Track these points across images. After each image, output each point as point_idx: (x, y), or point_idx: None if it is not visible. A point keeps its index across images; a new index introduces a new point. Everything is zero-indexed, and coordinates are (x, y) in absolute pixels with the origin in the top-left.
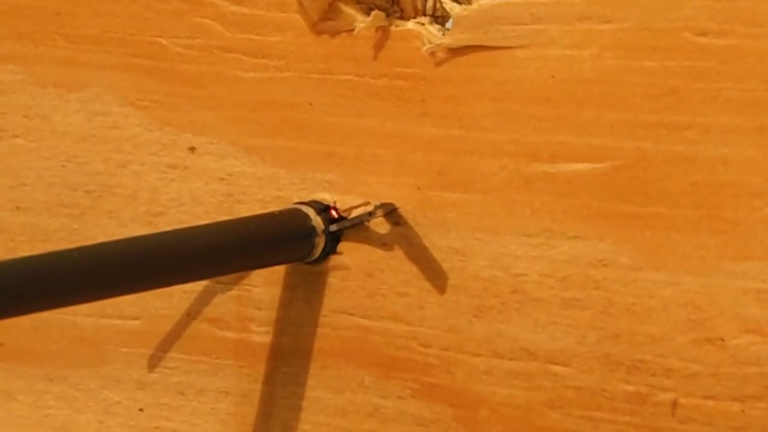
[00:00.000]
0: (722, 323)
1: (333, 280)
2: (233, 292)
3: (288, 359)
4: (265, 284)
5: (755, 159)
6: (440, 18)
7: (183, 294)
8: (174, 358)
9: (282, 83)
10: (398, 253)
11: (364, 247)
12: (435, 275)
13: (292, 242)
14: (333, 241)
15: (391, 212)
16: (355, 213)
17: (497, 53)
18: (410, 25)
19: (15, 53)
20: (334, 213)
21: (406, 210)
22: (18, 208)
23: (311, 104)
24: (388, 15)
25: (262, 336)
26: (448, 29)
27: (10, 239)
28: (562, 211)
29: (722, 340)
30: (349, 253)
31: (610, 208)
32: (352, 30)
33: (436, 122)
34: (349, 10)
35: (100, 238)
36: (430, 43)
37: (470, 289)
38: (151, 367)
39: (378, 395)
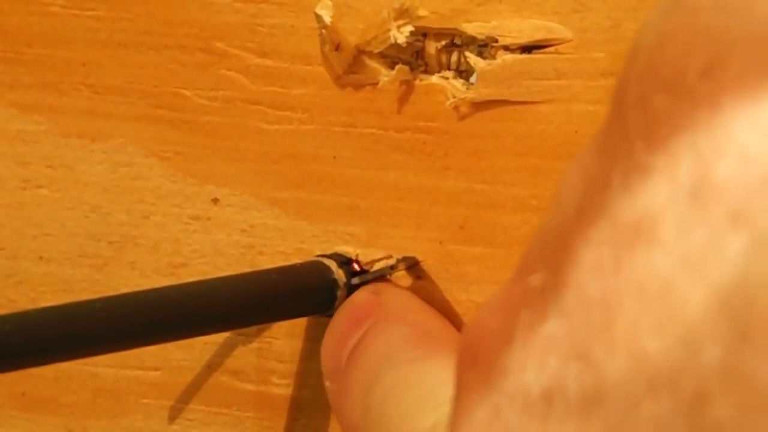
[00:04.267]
0: None
1: None
2: (254, 344)
3: (308, 412)
4: (286, 336)
5: None
6: (464, 72)
7: (204, 345)
8: (194, 409)
9: (305, 136)
10: None
11: None
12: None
13: (313, 295)
14: None
15: (412, 266)
16: (376, 266)
17: (521, 108)
18: (434, 79)
19: (40, 103)
20: (355, 266)
21: (427, 263)
22: (41, 258)
23: (334, 157)
24: (412, 69)
25: (282, 388)
26: (472, 84)
27: (33, 289)
28: None
29: None
30: None
31: None
32: (376, 83)
33: (459, 176)
34: (374, 64)
35: (123, 289)
36: (454, 97)
37: None
38: (172, 418)
39: None
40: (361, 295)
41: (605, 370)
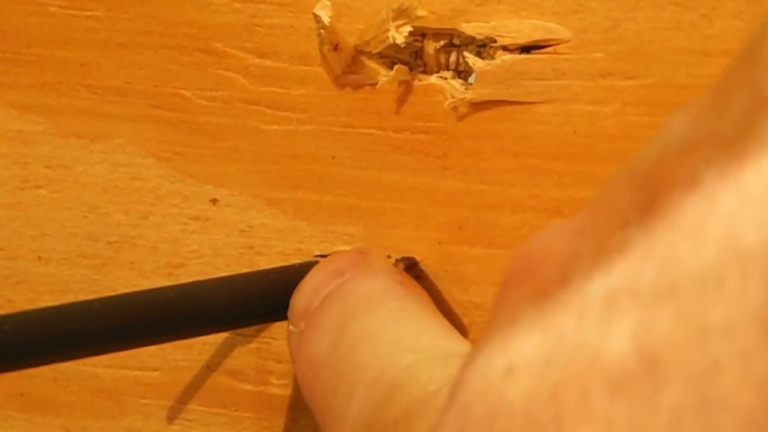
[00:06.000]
0: None
1: None
2: (253, 345)
3: (307, 412)
4: (284, 337)
5: None
6: (463, 72)
7: (203, 346)
8: (193, 410)
9: (304, 136)
10: None
11: None
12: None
13: None
14: None
15: (411, 266)
16: None
17: (519, 108)
18: (433, 79)
19: (38, 103)
20: None
21: (426, 264)
22: (39, 258)
23: (333, 157)
24: (411, 69)
25: (281, 389)
26: (471, 84)
27: (32, 290)
28: None
29: None
30: None
31: None
32: (375, 84)
33: (458, 177)
34: (372, 64)
35: (121, 290)
36: (453, 97)
37: None
38: (171, 419)
39: None
40: (346, 251)
41: (688, 262)
